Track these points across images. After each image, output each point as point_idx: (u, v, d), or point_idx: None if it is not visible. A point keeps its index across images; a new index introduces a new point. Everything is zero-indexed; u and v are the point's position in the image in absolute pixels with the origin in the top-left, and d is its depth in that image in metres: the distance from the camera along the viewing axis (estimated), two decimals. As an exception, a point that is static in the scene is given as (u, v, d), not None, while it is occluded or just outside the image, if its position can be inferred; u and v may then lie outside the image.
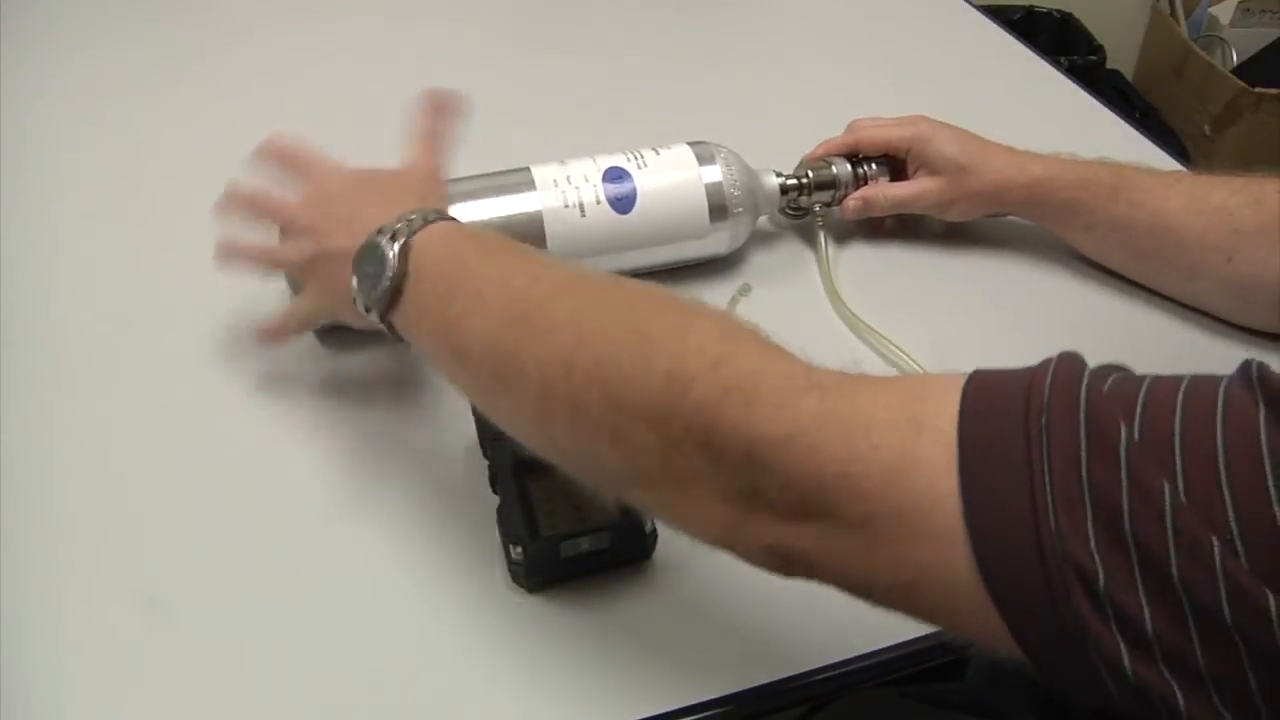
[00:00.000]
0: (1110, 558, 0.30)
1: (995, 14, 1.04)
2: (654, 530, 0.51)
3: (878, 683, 0.50)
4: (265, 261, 0.58)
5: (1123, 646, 0.30)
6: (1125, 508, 0.29)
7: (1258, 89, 1.69)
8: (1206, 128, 1.76)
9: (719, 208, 0.67)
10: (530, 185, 0.65)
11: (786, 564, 0.37)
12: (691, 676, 0.47)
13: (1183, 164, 0.81)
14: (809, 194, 0.72)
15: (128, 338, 0.63)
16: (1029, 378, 0.33)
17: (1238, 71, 1.76)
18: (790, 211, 0.74)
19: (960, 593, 0.33)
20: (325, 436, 0.58)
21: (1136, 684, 0.30)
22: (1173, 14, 1.88)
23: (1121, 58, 1.93)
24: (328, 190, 0.56)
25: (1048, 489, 0.30)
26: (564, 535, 0.49)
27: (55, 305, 0.66)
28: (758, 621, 0.50)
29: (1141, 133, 0.87)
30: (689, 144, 0.68)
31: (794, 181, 0.72)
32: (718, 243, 0.68)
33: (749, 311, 0.67)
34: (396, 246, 0.48)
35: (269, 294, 0.62)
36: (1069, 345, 0.35)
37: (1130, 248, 0.68)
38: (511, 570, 0.50)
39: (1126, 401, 0.31)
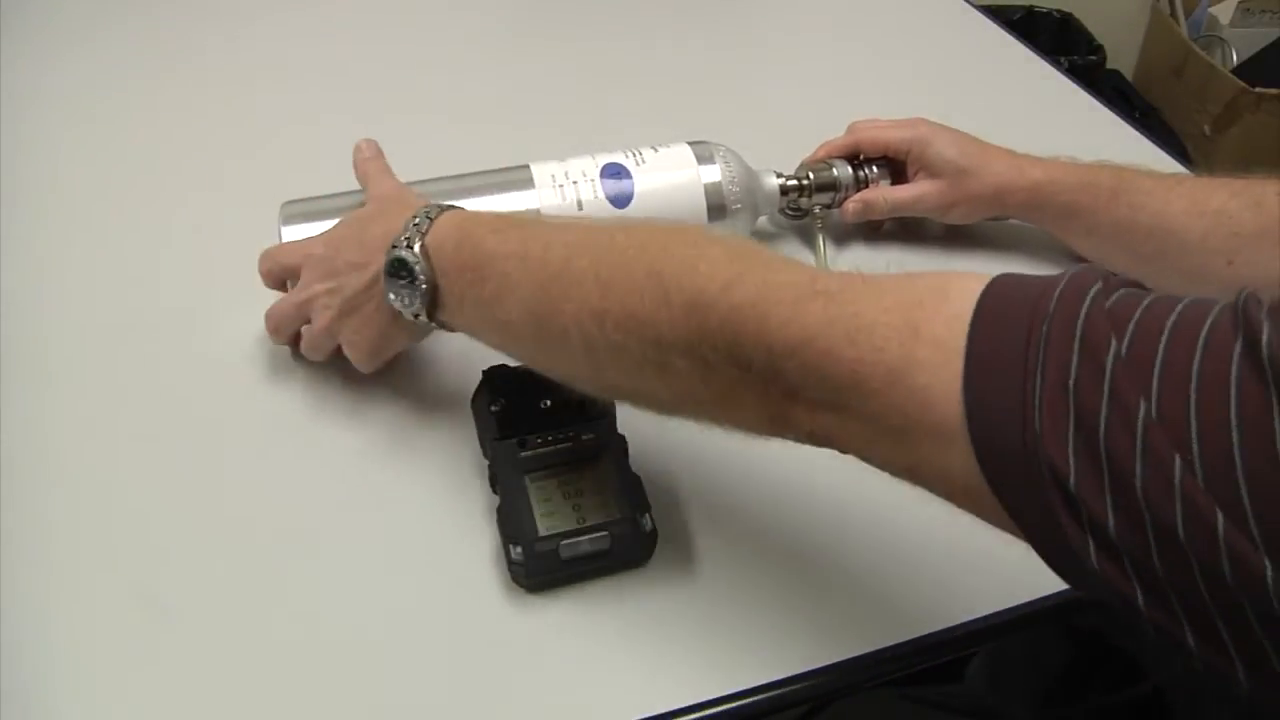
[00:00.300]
0: (1084, 464, 0.32)
1: (995, 14, 1.04)
2: (653, 531, 0.51)
3: (878, 683, 0.50)
4: (309, 351, 0.59)
5: (1090, 543, 0.32)
6: (1102, 419, 0.31)
7: (1258, 89, 1.69)
8: (1206, 128, 1.76)
9: (718, 207, 0.67)
10: (529, 184, 0.65)
11: (827, 444, 0.41)
12: (691, 677, 0.47)
13: (1183, 164, 0.81)
14: (809, 195, 0.72)
15: (127, 337, 0.63)
16: (1042, 288, 0.35)
17: (1238, 71, 1.76)
18: (790, 212, 0.74)
19: (963, 480, 0.36)
20: (325, 437, 0.58)
21: (1102, 577, 0.32)
22: (1173, 14, 1.88)
23: (1121, 58, 1.94)
24: (318, 254, 0.57)
25: (1037, 394, 0.33)
26: (564, 535, 0.49)
27: (55, 304, 0.65)
28: (757, 622, 0.50)
29: (1141, 133, 0.87)
30: (688, 143, 0.68)
31: (794, 182, 0.72)
32: None
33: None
34: (417, 248, 0.50)
35: (269, 295, 0.62)
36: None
37: (1131, 251, 0.68)
38: (511, 570, 0.50)
39: (1122, 317, 0.33)
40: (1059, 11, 1.85)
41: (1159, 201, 0.65)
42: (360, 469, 0.56)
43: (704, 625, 0.50)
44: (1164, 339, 0.31)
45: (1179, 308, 0.33)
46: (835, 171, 0.72)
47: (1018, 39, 1.00)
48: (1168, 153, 0.84)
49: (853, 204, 0.72)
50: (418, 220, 0.51)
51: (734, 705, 0.47)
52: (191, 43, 0.92)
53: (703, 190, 0.66)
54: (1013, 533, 0.36)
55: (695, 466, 0.56)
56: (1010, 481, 0.34)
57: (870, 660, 0.49)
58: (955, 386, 0.35)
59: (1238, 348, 0.30)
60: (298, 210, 0.62)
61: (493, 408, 0.53)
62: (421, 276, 0.50)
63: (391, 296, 0.52)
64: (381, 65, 0.91)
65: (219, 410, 0.59)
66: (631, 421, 0.54)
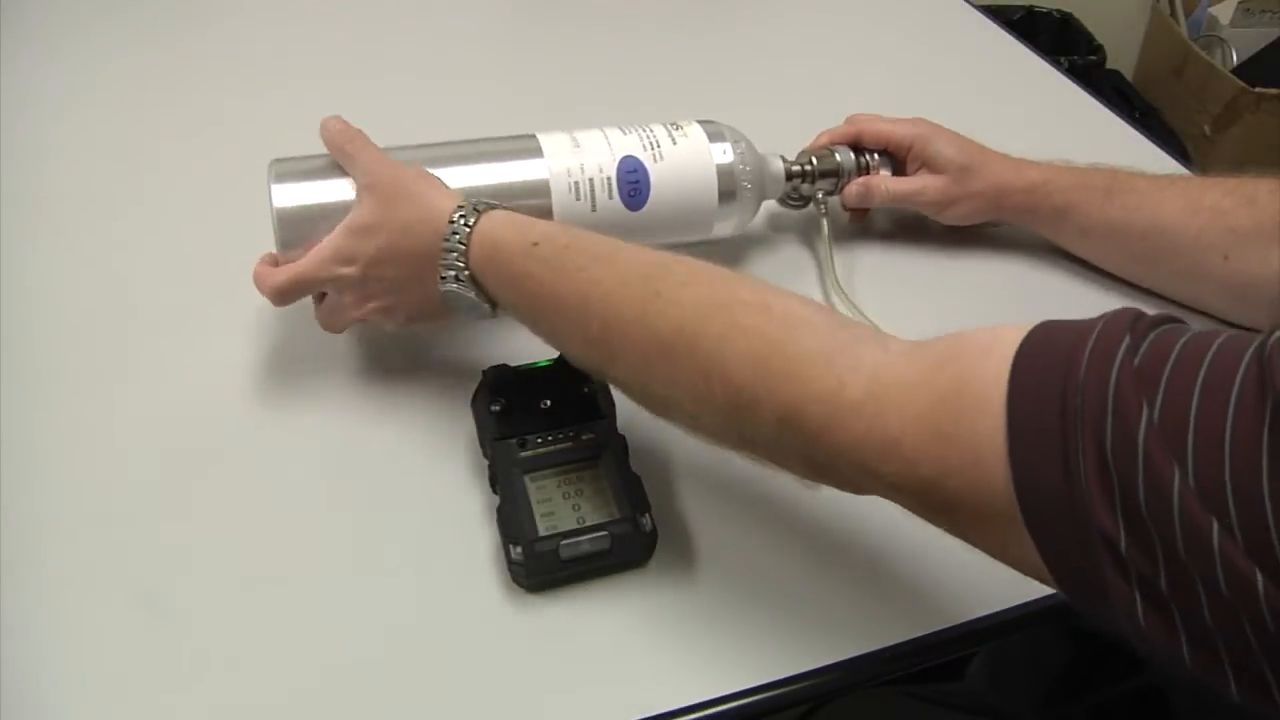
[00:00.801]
0: (1131, 529, 0.32)
1: (995, 14, 1.04)
2: (653, 531, 0.51)
3: (878, 683, 0.50)
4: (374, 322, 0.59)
5: (1138, 599, 0.33)
6: (1140, 487, 0.32)
7: (1258, 89, 1.69)
8: (1206, 128, 1.76)
9: (728, 190, 0.66)
10: (538, 154, 0.63)
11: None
12: (691, 676, 0.47)
13: (1183, 164, 0.81)
14: (812, 181, 0.71)
15: (127, 337, 0.63)
16: (1071, 352, 0.35)
17: (1238, 71, 1.76)
18: (791, 201, 0.74)
19: (1004, 542, 0.37)
20: (326, 436, 0.58)
21: (1146, 631, 0.33)
22: (1173, 14, 1.88)
23: (1121, 58, 1.93)
24: (353, 276, 0.55)
25: (1081, 465, 0.33)
26: (564, 535, 0.49)
27: (54, 304, 0.65)
28: (757, 621, 0.50)
29: (1141, 133, 0.87)
30: (699, 122, 0.67)
31: (798, 167, 0.71)
32: (723, 228, 0.68)
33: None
34: (466, 277, 0.52)
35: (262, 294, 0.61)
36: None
37: (1126, 252, 0.68)
38: (512, 570, 0.50)
39: (1152, 377, 0.33)
40: (1059, 11, 1.85)
41: (1152, 201, 0.65)
42: (360, 469, 0.56)
43: (704, 625, 0.50)
44: (1195, 401, 0.32)
45: (1208, 359, 0.33)
46: (838, 157, 0.72)
47: (1018, 39, 1.00)
48: (1168, 153, 0.84)
49: (855, 186, 0.71)
50: (450, 247, 0.52)
51: (734, 705, 0.47)
52: (191, 41, 0.92)
53: (714, 171, 0.66)
54: (1049, 585, 0.37)
55: (695, 466, 0.56)
56: (1059, 548, 0.35)
57: (870, 660, 0.49)
58: (993, 476, 0.36)
59: (1267, 412, 0.30)
60: (289, 169, 0.59)
61: (493, 408, 0.53)
62: (484, 304, 0.53)
63: (460, 311, 0.54)
64: (384, 64, 0.91)
65: (216, 409, 0.59)
66: (631, 421, 0.54)
